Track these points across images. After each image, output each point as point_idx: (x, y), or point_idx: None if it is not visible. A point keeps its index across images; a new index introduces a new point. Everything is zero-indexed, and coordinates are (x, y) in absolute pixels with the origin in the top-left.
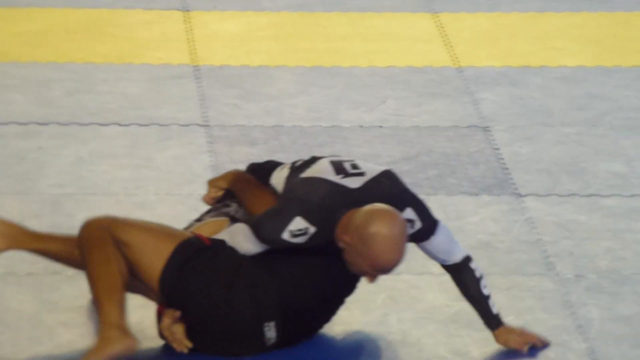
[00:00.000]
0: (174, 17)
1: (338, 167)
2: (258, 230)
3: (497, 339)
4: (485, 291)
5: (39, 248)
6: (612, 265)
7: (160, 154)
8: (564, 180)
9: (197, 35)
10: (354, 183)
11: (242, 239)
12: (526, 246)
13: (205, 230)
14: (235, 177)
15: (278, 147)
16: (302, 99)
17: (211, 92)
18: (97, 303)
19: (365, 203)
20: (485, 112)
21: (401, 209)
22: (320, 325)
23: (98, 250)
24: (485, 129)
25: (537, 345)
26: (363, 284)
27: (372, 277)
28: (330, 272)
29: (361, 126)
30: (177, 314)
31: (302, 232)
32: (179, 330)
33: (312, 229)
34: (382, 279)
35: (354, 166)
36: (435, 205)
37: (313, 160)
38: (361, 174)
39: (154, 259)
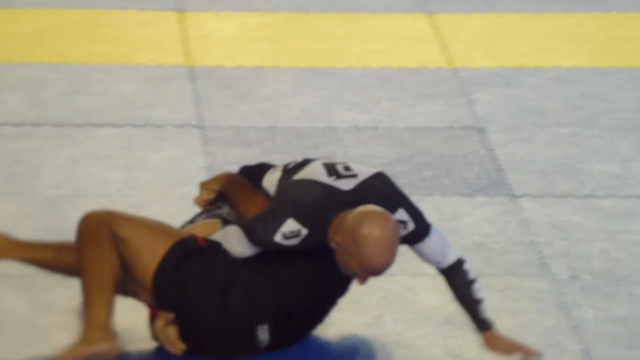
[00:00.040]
0: (169, 17)
1: (330, 169)
2: (250, 233)
3: (486, 342)
4: (478, 295)
5: (29, 257)
6: (607, 266)
7: (155, 155)
8: (558, 181)
9: (192, 36)
10: (346, 185)
11: (234, 241)
12: (521, 247)
13: (198, 232)
14: (227, 180)
15: (273, 148)
16: (297, 100)
17: (206, 93)
18: (86, 300)
19: (357, 204)
20: (480, 112)
21: (393, 210)
22: (314, 327)
23: (94, 247)
24: (480, 130)
25: (527, 356)
26: (357, 285)
27: (363, 278)
28: (323, 274)
29: (356, 127)
30: (171, 316)
31: (294, 234)
32: (172, 332)
33: (304, 231)
34: (376, 280)
35: (347, 168)
36: (430, 207)
37: (305, 162)
38: (354, 176)
39: (149, 257)
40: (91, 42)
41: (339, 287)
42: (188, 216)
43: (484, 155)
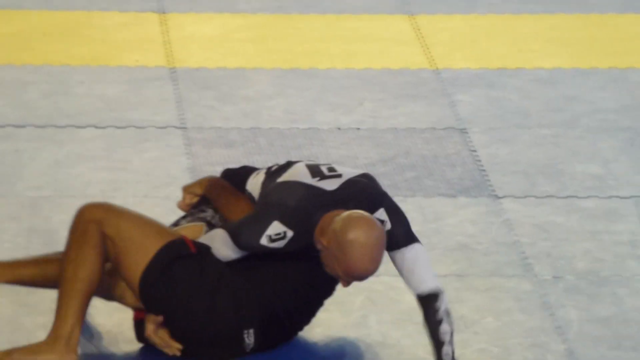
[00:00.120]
0: (150, 19)
1: (314, 170)
2: (236, 237)
3: None
4: (444, 337)
5: (12, 279)
6: (590, 267)
7: (137, 157)
8: (541, 181)
9: (174, 38)
10: (330, 185)
11: (220, 245)
12: (504, 248)
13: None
14: (210, 184)
15: (255, 149)
16: (279, 101)
17: (188, 94)
18: (58, 303)
19: (341, 204)
20: (462, 114)
21: (374, 208)
22: (300, 328)
23: (76, 247)
24: (462, 131)
25: None
26: (342, 286)
27: (346, 282)
28: (309, 276)
29: (338, 128)
30: (159, 319)
31: (280, 237)
32: (165, 334)
33: (290, 233)
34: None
35: (331, 169)
36: (413, 207)
37: (289, 164)
38: (338, 176)
39: (138, 258)
40: (73, 44)
41: (325, 288)
42: (171, 217)
43: (466, 156)
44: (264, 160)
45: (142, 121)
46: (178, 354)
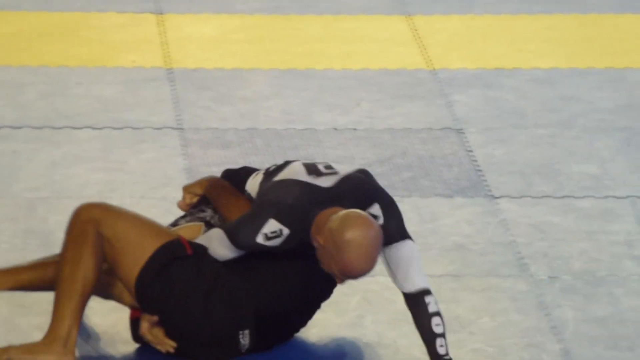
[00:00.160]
0: (148, 20)
1: (310, 168)
2: (233, 236)
3: None
4: (437, 329)
5: (13, 285)
6: (586, 267)
7: (134, 157)
8: (537, 182)
9: (171, 38)
10: (326, 182)
11: (217, 244)
12: (500, 248)
13: (182, 234)
14: (210, 184)
15: (252, 149)
16: (276, 102)
17: (185, 95)
18: (55, 304)
19: (338, 200)
20: (458, 114)
21: (369, 203)
22: (297, 330)
23: (73, 248)
24: (459, 131)
25: None
26: (338, 286)
27: (341, 279)
28: (306, 277)
29: (335, 129)
30: (154, 318)
31: (276, 235)
32: (159, 331)
33: (286, 231)
34: (357, 281)
35: (327, 167)
36: (410, 208)
37: (286, 164)
38: (334, 173)
39: (134, 259)
40: (70, 45)
41: (322, 290)
42: (168, 218)
43: (463, 156)
44: (260, 161)
45: (139, 122)
46: (171, 350)
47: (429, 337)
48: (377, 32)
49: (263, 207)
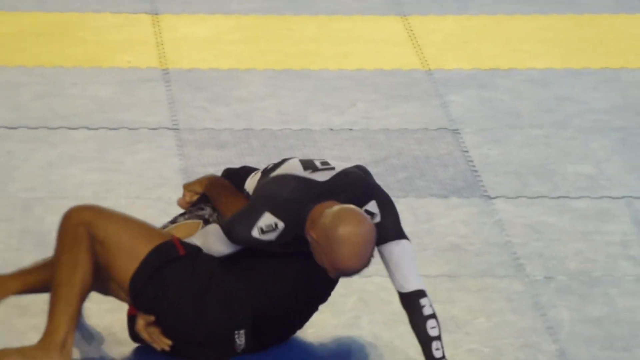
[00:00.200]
0: (143, 20)
1: (307, 164)
2: (229, 230)
3: None
4: (432, 332)
5: (22, 288)
6: (581, 267)
7: (130, 158)
8: (532, 182)
9: (166, 39)
10: (322, 177)
11: (213, 240)
12: (496, 248)
13: (179, 233)
14: (210, 182)
15: (248, 150)
16: (272, 102)
17: (180, 95)
18: (51, 308)
19: (333, 194)
20: (454, 114)
21: (366, 200)
22: (293, 331)
23: (68, 251)
24: (455, 132)
25: None
26: (335, 288)
27: (334, 275)
28: (304, 279)
29: (331, 129)
30: (151, 318)
31: (271, 228)
32: (155, 330)
33: (281, 224)
34: (353, 281)
35: (324, 163)
36: (405, 208)
37: (283, 161)
38: (330, 169)
39: (127, 261)
40: (65, 45)
41: (320, 293)
42: (163, 218)
43: (459, 156)
44: (256, 161)
45: (135, 122)
46: (167, 349)
47: (424, 340)
48: (373, 32)
49: (258, 201)
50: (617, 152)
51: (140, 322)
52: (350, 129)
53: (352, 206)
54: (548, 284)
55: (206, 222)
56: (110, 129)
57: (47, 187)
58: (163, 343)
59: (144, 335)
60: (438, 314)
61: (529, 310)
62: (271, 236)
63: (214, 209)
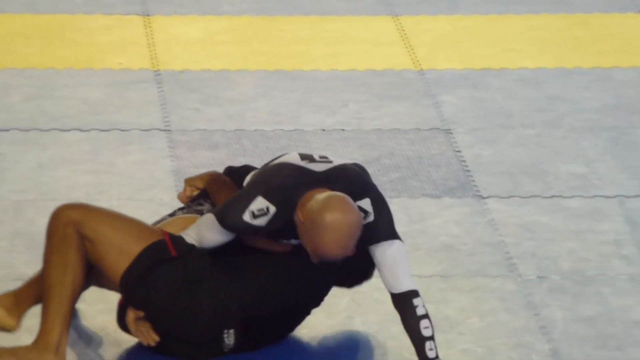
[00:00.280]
0: (134, 21)
1: (305, 155)
2: (221, 215)
3: None
4: (426, 332)
5: (36, 298)
6: (574, 266)
7: (122, 159)
8: (525, 181)
9: (158, 40)
10: (318, 168)
11: (206, 229)
12: (489, 248)
13: (176, 225)
14: (211, 178)
15: (240, 151)
16: (264, 103)
17: (172, 96)
18: (44, 310)
19: (328, 184)
20: (446, 114)
21: (360, 197)
22: (284, 333)
23: (59, 252)
24: (447, 132)
25: None
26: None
27: (315, 259)
28: (296, 283)
29: (323, 129)
30: (140, 314)
31: (262, 212)
32: (144, 325)
33: (272, 209)
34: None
35: (323, 157)
36: (398, 208)
37: (281, 155)
38: (328, 162)
39: (119, 260)
40: (57, 47)
41: (313, 296)
42: (155, 220)
43: (451, 156)
44: (248, 162)
45: (126, 124)
46: (152, 344)
47: (418, 341)
48: (364, 32)
49: (252, 186)
50: (609, 152)
51: (131, 316)
52: (342, 130)
53: (343, 194)
54: (541, 283)
55: None
56: (102, 130)
57: (39, 189)
58: (150, 339)
59: (133, 329)
60: (431, 314)
61: (522, 310)
62: (262, 221)
63: (213, 205)
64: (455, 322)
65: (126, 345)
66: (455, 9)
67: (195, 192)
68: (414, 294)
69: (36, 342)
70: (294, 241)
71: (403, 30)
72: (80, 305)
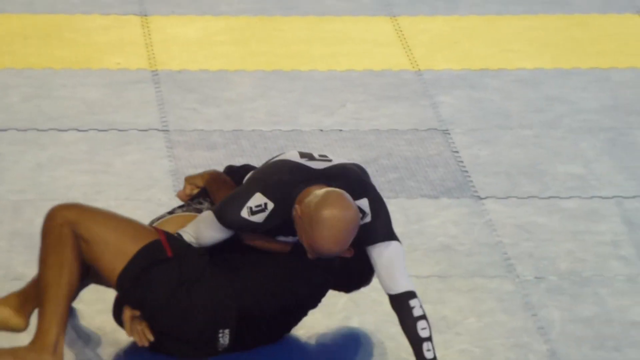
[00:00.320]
0: (132, 22)
1: (305, 154)
2: (219, 212)
3: None
4: (423, 333)
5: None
6: (572, 267)
7: (120, 159)
8: (523, 182)
9: (156, 40)
10: (318, 166)
11: (204, 226)
12: (486, 248)
13: (174, 223)
14: (211, 177)
15: (238, 151)
16: (262, 103)
17: (170, 96)
18: (40, 310)
19: (326, 181)
20: (444, 115)
21: (358, 196)
22: (279, 335)
23: (54, 252)
24: (445, 132)
25: None
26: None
27: (311, 254)
28: (294, 283)
29: (321, 130)
30: (136, 312)
31: (260, 209)
32: (139, 324)
33: (270, 205)
34: None
35: (322, 155)
36: (396, 209)
37: (282, 153)
38: (328, 160)
39: (114, 260)
40: (54, 47)
41: (310, 298)
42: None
43: (449, 157)
44: (246, 162)
45: (124, 124)
46: (146, 344)
47: (415, 341)
48: (362, 33)
49: (251, 183)
50: (606, 152)
51: (127, 313)
52: (340, 130)
53: (341, 191)
54: (538, 284)
55: None
56: (100, 130)
57: (37, 189)
58: (144, 339)
59: (127, 327)
60: (429, 315)
61: (520, 311)
62: (260, 217)
63: (213, 204)
64: (452, 323)
65: (124, 345)
66: (453, 9)
67: (195, 191)
68: (411, 295)
69: (34, 343)
70: (291, 238)
71: (401, 31)
72: (79, 306)
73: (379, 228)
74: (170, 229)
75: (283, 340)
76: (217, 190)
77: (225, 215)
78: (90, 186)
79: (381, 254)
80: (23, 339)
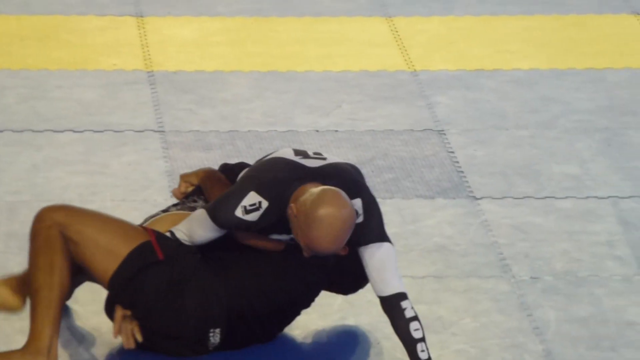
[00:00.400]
0: (128, 22)
1: (299, 151)
2: (213, 211)
3: None
4: (416, 334)
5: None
6: (567, 267)
7: (115, 160)
8: (518, 182)
9: (151, 41)
10: (312, 164)
11: (197, 224)
12: (482, 249)
13: (168, 222)
14: (206, 175)
15: (233, 152)
16: (257, 104)
17: (166, 97)
18: (32, 313)
19: (320, 179)
20: (439, 115)
21: (352, 197)
22: (272, 334)
23: (44, 255)
24: (440, 133)
25: None
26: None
27: (307, 252)
28: (287, 283)
29: (316, 130)
30: (128, 312)
31: (254, 207)
32: (130, 325)
33: (265, 204)
34: None
35: (317, 153)
36: (391, 209)
37: (276, 150)
38: (322, 159)
39: (105, 262)
40: (50, 48)
41: (302, 298)
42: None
43: (444, 157)
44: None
45: (120, 125)
46: (132, 346)
47: (409, 343)
48: (358, 33)
49: (245, 181)
50: (602, 153)
51: (119, 313)
52: (336, 131)
53: (337, 189)
54: (534, 284)
55: None
56: (96, 131)
57: (33, 190)
58: (131, 341)
59: (116, 327)
60: (424, 315)
61: (515, 311)
62: (254, 216)
63: (207, 202)
64: (448, 323)
65: (119, 346)
66: (449, 10)
67: (190, 189)
68: (402, 296)
69: (27, 346)
70: (285, 237)
71: (397, 31)
72: (74, 306)
73: (371, 229)
74: (164, 227)
75: (278, 340)
76: (212, 188)
77: (219, 215)
78: (86, 187)
79: (373, 255)
80: (19, 339)
